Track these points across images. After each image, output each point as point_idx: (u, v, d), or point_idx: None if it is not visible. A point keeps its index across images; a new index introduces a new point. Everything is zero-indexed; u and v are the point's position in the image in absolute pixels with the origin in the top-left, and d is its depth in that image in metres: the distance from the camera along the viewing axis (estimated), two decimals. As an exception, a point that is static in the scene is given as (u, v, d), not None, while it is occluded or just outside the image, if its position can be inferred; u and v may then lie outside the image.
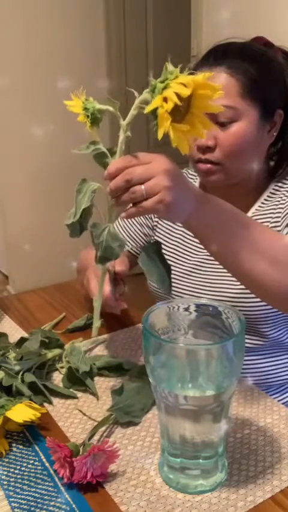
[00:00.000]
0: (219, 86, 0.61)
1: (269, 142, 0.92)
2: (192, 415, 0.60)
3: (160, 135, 0.60)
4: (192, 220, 0.67)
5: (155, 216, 1.08)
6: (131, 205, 0.66)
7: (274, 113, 0.89)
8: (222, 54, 0.88)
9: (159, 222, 1.08)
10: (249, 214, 0.95)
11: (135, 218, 1.10)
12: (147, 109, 0.62)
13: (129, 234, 1.11)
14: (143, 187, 0.63)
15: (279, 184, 0.95)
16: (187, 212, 0.66)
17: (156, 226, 1.08)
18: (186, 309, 0.66)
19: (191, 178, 1.07)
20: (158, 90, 0.61)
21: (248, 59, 0.87)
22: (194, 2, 2.25)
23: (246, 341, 0.94)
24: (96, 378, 0.85)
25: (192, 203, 0.66)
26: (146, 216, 1.09)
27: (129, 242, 1.12)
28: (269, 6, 1.87)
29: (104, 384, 0.84)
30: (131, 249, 1.12)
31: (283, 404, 0.78)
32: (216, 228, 0.68)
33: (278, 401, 0.91)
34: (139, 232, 1.10)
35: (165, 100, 0.60)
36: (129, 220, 1.11)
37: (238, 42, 0.92)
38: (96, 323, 0.87)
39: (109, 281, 0.92)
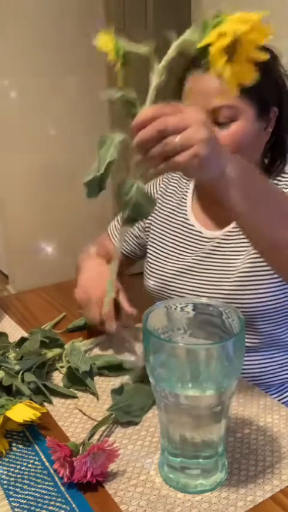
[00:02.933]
0: (271, 29, 0.56)
1: (265, 139, 0.92)
2: (192, 415, 0.60)
3: (218, 73, 0.56)
4: (221, 180, 0.62)
5: (148, 218, 1.09)
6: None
7: (269, 111, 0.90)
8: None
9: (152, 223, 1.08)
10: None
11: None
12: (200, 44, 0.56)
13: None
14: (177, 138, 0.56)
15: (276, 180, 0.96)
16: (219, 170, 0.61)
17: (149, 227, 1.09)
18: (186, 309, 0.66)
19: (186, 178, 1.07)
20: (213, 25, 0.55)
21: None
22: (194, 2, 2.26)
23: (246, 342, 0.94)
24: (96, 378, 0.85)
25: (224, 160, 0.61)
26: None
27: (123, 244, 1.14)
28: (268, 6, 1.88)
29: (104, 384, 0.84)
30: (125, 251, 1.14)
31: (283, 403, 0.78)
32: (244, 190, 0.63)
33: (278, 400, 0.91)
34: (131, 234, 1.12)
35: (220, 36, 0.54)
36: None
37: None
38: (110, 294, 0.85)
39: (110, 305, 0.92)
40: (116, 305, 0.93)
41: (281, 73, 0.92)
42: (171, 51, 0.60)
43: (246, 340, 0.94)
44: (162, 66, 0.61)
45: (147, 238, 1.09)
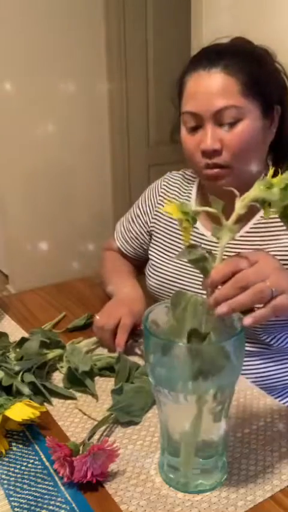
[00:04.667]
0: None
1: (270, 138, 0.91)
2: (192, 415, 0.60)
3: None
4: None
5: (151, 221, 1.09)
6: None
7: (273, 109, 0.89)
8: (216, 55, 0.87)
9: (156, 224, 1.08)
10: (260, 214, 0.94)
11: (136, 223, 1.11)
12: (280, 212, 0.56)
13: (125, 237, 1.14)
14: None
15: None
16: None
17: (153, 229, 1.08)
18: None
19: (188, 179, 1.07)
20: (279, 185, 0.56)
21: (242, 56, 0.87)
22: (194, 3, 2.25)
23: (249, 346, 0.94)
24: (96, 378, 0.85)
25: None
26: (143, 221, 1.10)
27: (125, 244, 1.15)
28: (269, 5, 1.88)
29: (104, 384, 0.84)
30: (130, 254, 1.15)
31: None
32: None
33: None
34: (135, 238, 1.13)
35: None
36: (130, 224, 1.12)
37: (227, 42, 0.92)
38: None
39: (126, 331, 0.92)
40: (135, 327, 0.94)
41: (279, 71, 0.92)
42: (238, 209, 0.58)
43: (249, 345, 0.94)
44: (233, 222, 0.59)
45: (150, 241, 1.09)
